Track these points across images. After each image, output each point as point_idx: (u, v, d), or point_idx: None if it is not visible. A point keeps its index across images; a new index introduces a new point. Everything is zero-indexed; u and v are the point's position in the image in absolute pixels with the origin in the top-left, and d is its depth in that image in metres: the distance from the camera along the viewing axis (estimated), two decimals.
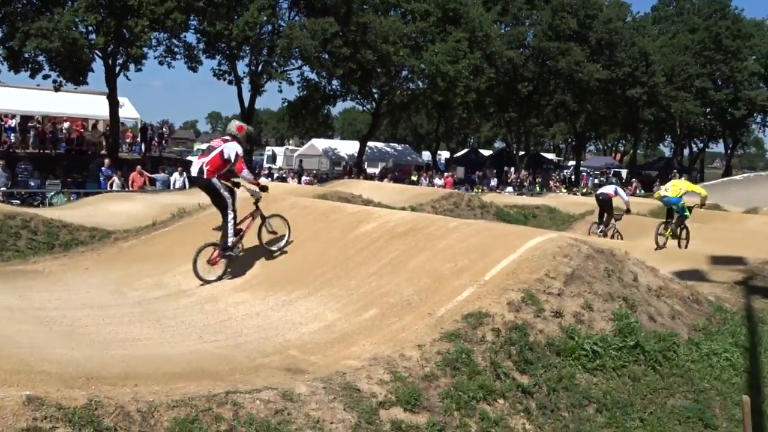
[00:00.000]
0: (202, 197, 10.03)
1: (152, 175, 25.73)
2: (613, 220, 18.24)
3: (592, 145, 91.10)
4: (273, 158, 55.65)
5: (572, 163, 64.56)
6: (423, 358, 6.02)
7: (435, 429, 5.39)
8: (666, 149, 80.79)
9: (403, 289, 7.45)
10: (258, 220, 9.44)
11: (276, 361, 6.04)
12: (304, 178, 35.63)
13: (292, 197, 12.51)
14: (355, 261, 8.47)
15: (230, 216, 8.98)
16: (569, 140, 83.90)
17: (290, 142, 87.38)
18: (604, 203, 18.46)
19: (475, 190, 37.23)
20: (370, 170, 47.86)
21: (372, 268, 8.17)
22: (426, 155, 62.23)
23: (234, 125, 9.31)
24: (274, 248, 9.43)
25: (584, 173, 63.40)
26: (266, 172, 37.44)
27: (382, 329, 6.69)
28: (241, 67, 66.26)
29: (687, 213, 15.65)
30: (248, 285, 8.50)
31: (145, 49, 30.87)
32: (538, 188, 44.70)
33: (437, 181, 37.57)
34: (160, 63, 33.73)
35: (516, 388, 6.01)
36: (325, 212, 10.60)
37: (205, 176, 8.80)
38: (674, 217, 15.67)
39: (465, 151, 65.72)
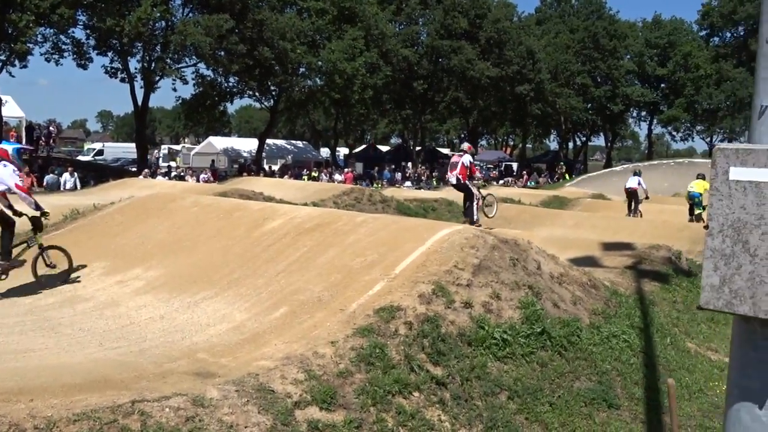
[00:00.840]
0: (94, 198, 9.46)
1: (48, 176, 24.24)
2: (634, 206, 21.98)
3: (484, 140, 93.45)
4: (170, 156, 53.81)
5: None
6: (337, 355, 5.85)
7: (352, 426, 5.24)
8: (552, 143, 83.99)
9: (313, 286, 7.25)
10: None
11: (184, 365, 5.71)
12: (202, 176, 34.58)
13: (193, 195, 12.01)
14: (262, 259, 8.18)
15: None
16: (462, 135, 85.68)
17: (186, 140, 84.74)
18: (632, 194, 22.44)
19: (375, 185, 37.30)
20: (269, 167, 47.09)
21: (280, 265, 7.91)
22: (324, 152, 61.86)
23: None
24: None
25: (477, 166, 64.88)
26: (164, 170, 36.07)
27: (293, 327, 6.46)
28: (134, 64, 63.60)
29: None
30: (150, 287, 8.04)
31: (31, 45, 29.03)
32: (435, 182, 45.31)
33: (337, 176, 37.41)
34: (47, 60, 31.87)
35: (430, 380, 5.94)
36: (229, 210, 10.22)
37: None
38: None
39: (363, 147, 65.84)
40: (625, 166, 57.21)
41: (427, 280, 6.91)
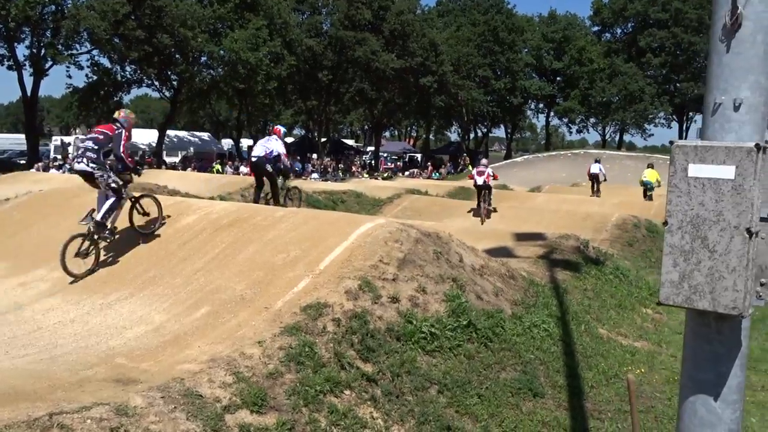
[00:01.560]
0: None
1: None
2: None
3: (388, 132, 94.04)
4: (63, 148, 51.07)
5: (371, 148, 66.19)
6: (265, 355, 5.67)
7: (284, 428, 5.09)
8: (454, 134, 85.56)
9: (235, 284, 7.00)
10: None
11: (102, 372, 5.37)
12: None
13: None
14: (178, 257, 7.84)
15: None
16: (367, 126, 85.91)
17: (77, 131, 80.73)
18: (594, 178, 27.28)
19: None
20: (169, 160, 45.58)
21: (198, 263, 7.60)
22: (226, 143, 60.55)
23: None
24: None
25: (382, 158, 65.20)
26: (58, 163, 34.19)
27: (217, 328, 6.22)
28: (22, 50, 59.99)
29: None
30: (57, 289, 7.54)
31: None
32: (341, 174, 45.21)
33: (243, 169, 36.60)
34: None
35: (361, 377, 5.86)
36: None
37: None
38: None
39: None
40: (525, 156, 59.08)
41: (352, 276, 6.82)
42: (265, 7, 40.58)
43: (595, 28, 67.88)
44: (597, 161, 29.01)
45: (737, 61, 2.57)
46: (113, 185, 8.38)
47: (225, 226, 8.39)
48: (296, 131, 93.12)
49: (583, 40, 64.42)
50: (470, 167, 52.46)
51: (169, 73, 39.51)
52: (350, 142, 77.22)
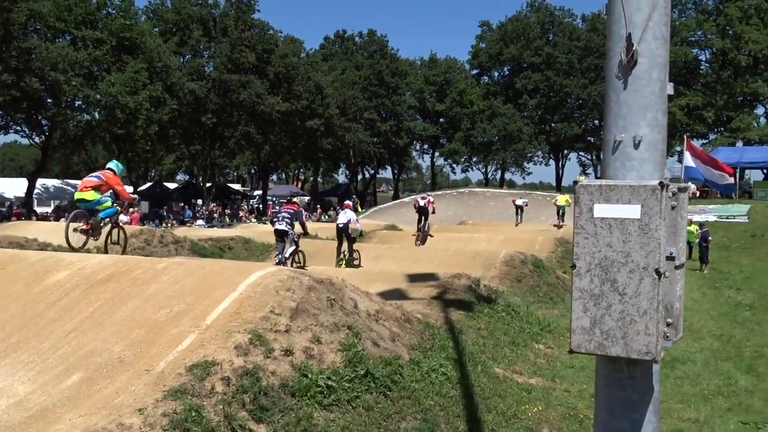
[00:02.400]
0: None
1: None
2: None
3: (275, 175, 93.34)
4: None
5: (258, 192, 65.28)
6: (146, 424, 5.17)
7: None
8: (341, 176, 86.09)
9: (111, 345, 6.43)
10: None
11: None
12: None
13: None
14: (46, 318, 7.15)
15: None
16: (253, 170, 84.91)
17: None
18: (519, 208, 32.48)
19: (165, 224, 35.45)
20: (41, 210, 42.98)
21: (70, 324, 6.95)
22: None
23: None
24: None
25: (270, 202, 64.41)
26: None
27: (91, 396, 5.64)
28: None
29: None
30: None
31: None
32: (228, 219, 44.21)
33: (123, 217, 34.93)
34: None
35: None
36: (0, 263, 8.91)
37: None
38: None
39: (149, 184, 62.69)
40: (412, 196, 60.05)
41: (242, 329, 6.42)
42: (144, 49, 39.51)
43: (474, 72, 70.67)
44: (522, 198, 35.30)
45: (635, 98, 2.53)
46: (295, 239, 15.50)
47: (100, 282, 7.77)
48: (179, 177, 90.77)
49: (464, 83, 66.85)
50: (359, 208, 52.68)
51: (40, 117, 37.49)
52: (237, 186, 75.93)
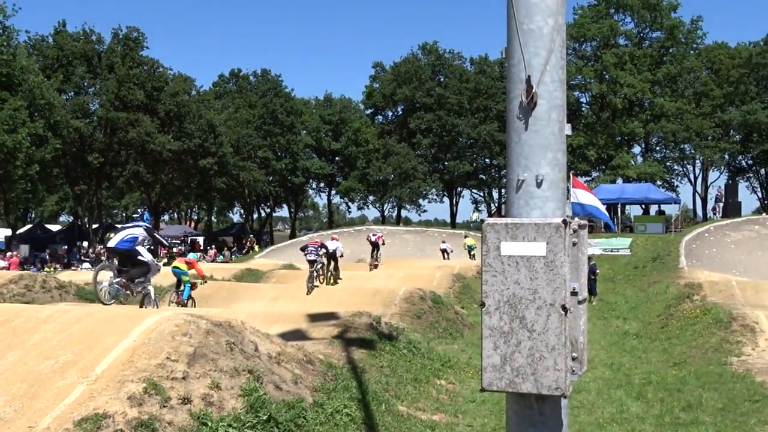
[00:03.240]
0: None
1: None
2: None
3: (167, 215, 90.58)
4: None
5: None
6: None
7: None
8: (236, 215, 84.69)
9: None
10: None
11: None
12: None
13: None
14: None
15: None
16: (142, 209, 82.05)
17: None
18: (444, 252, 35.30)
19: (47, 269, 33.57)
20: None
21: None
22: None
23: None
24: None
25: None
26: None
27: None
28: None
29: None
30: None
31: None
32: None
33: None
34: None
35: None
36: None
37: None
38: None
39: (28, 227, 59.35)
40: (309, 235, 59.72)
41: (136, 378, 6.10)
42: (24, 86, 37.70)
43: (369, 111, 71.70)
44: (443, 242, 36.82)
45: (536, 138, 2.62)
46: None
47: None
48: (63, 218, 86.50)
49: (358, 122, 67.63)
50: (256, 247, 51.87)
51: None
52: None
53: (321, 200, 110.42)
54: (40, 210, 75.60)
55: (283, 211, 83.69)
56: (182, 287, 16.67)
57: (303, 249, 21.97)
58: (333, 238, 24.76)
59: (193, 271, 17.30)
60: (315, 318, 12.38)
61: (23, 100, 37.07)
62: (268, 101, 64.45)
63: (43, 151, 38.58)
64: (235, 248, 56.31)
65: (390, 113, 70.39)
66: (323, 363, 8.96)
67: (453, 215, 70.63)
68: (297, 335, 11.15)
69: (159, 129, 47.21)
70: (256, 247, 52.82)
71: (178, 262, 17.34)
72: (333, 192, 74.11)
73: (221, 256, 49.25)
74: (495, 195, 71.90)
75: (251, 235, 59.69)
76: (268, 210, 76.25)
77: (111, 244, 11.73)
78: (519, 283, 2.49)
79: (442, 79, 66.89)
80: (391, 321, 14.55)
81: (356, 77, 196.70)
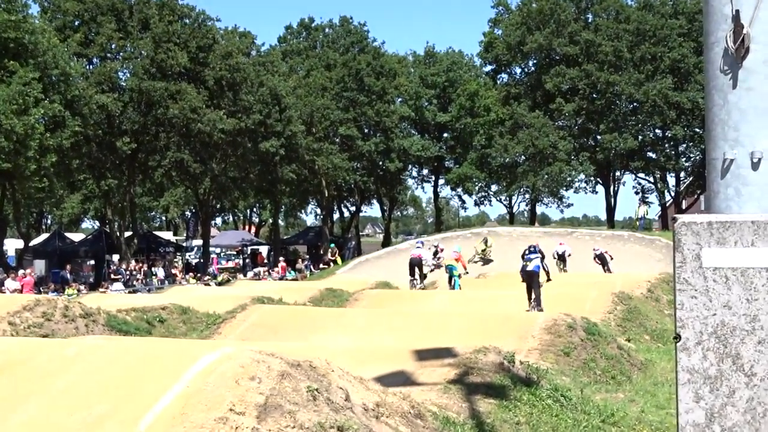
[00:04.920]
0: None
1: None
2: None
3: (220, 218, 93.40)
4: None
5: (197, 242, 65.18)
6: None
7: None
8: (310, 216, 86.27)
9: None
10: None
11: None
12: None
13: None
14: None
15: None
16: (189, 212, 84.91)
17: None
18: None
19: (69, 291, 35.24)
20: None
21: None
22: None
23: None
24: None
25: (215, 255, 64.31)
26: None
27: None
28: None
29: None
30: None
31: None
32: (156, 281, 43.99)
33: (10, 283, 34.72)
34: None
35: None
36: None
37: None
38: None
39: (45, 236, 62.50)
40: (409, 240, 60.08)
41: None
42: (34, 52, 39.60)
43: (488, 68, 71.46)
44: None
45: (749, 99, 2.51)
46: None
47: None
48: (87, 224, 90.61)
49: (474, 84, 67.46)
50: (339, 259, 52.58)
51: None
52: (166, 235, 75.85)
53: (425, 194, 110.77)
54: (58, 214, 79.51)
55: (374, 210, 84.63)
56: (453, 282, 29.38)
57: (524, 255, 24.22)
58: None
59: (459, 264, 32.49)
60: (424, 355, 12.44)
61: (35, 71, 38.92)
62: (351, 60, 65.27)
63: (60, 137, 40.31)
64: (309, 261, 57.33)
65: (518, 70, 69.91)
66: (437, 418, 9.01)
67: (610, 210, 69.32)
68: (400, 379, 11.24)
69: (208, 103, 48.58)
70: (339, 259, 53.56)
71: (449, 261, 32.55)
72: (441, 181, 74.26)
73: (292, 273, 50.26)
74: (671, 181, 70.04)
75: (332, 244, 60.48)
76: (353, 208, 77.18)
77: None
78: (730, 307, 2.40)
79: (590, 20, 65.80)
80: (529, 359, 14.44)
81: (469, 23, 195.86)
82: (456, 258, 34.04)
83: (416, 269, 32.36)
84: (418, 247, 34.94)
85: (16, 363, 7.91)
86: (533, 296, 22.83)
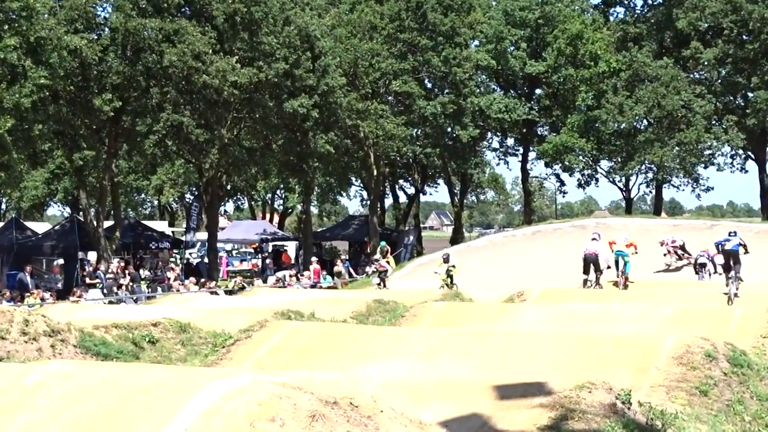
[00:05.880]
0: None
1: None
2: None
3: (231, 202, 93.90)
4: None
5: (201, 235, 65.61)
6: None
7: None
8: (354, 201, 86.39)
9: None
10: None
11: None
12: None
13: None
14: None
15: None
16: (191, 195, 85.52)
17: None
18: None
19: (30, 300, 35.73)
20: None
21: None
22: None
23: None
24: None
25: (224, 253, 64.63)
26: None
27: None
28: None
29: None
30: None
31: None
32: (146, 287, 44.39)
33: None
34: None
35: None
36: None
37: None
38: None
39: None
40: (488, 235, 59.92)
41: None
42: None
43: (598, 0, 70.91)
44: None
45: None
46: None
47: None
48: (53, 211, 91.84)
49: (579, 22, 66.85)
50: (392, 261, 52.43)
51: None
52: (160, 225, 76.56)
53: (509, 171, 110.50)
54: (15, 197, 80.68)
55: (440, 194, 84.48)
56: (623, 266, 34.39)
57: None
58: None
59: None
60: (506, 392, 12.45)
61: None
62: None
63: (17, 92, 40.83)
64: (350, 261, 57.44)
65: (639, 2, 69.22)
66: None
67: (766, 195, 68.09)
68: (474, 424, 11.28)
69: (216, 47, 48.82)
70: (392, 261, 53.46)
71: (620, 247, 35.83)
72: (531, 155, 73.75)
73: (328, 278, 50.40)
74: None
75: (382, 241, 60.34)
76: (412, 191, 76.95)
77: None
78: None
79: None
80: (651, 399, 14.36)
81: None
82: (627, 244, 36.83)
83: (591, 267, 35.19)
84: (593, 240, 36.81)
85: None
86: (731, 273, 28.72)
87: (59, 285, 47.09)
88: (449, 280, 38.98)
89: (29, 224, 65.51)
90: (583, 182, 72.58)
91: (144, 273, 48.20)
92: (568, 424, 11.45)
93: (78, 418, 7.50)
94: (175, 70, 47.43)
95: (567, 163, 68.72)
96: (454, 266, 39.70)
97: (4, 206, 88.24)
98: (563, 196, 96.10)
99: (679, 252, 41.39)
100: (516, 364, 16.83)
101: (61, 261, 51.28)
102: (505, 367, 16.50)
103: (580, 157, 67.99)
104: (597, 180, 72.19)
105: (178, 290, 43.50)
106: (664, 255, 41.31)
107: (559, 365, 15.93)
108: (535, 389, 12.58)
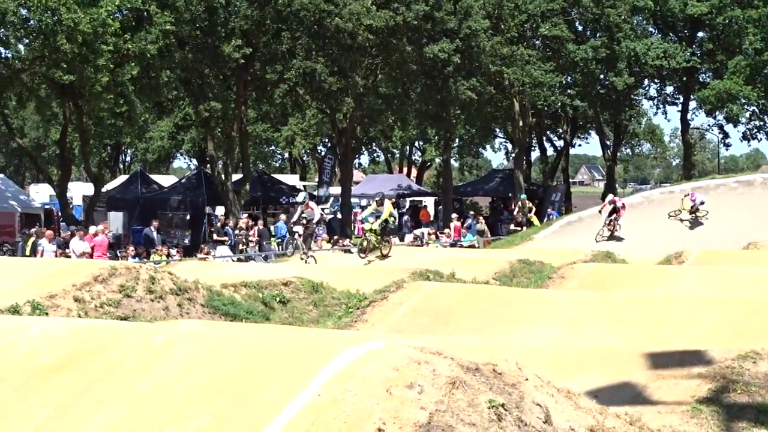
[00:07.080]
0: None
1: None
2: None
3: (366, 154, 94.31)
4: None
5: (335, 190, 66.11)
6: None
7: None
8: (498, 154, 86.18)
9: None
10: None
11: None
12: None
13: None
14: None
15: None
16: (323, 147, 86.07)
17: None
18: None
19: (156, 257, 36.43)
20: None
21: None
22: (39, 191, 60.65)
23: None
24: None
25: (358, 209, 65.02)
26: None
27: None
28: None
29: None
30: None
31: None
32: (276, 244, 44.85)
33: (76, 244, 35.77)
34: None
35: None
36: None
37: None
38: None
39: (123, 180, 64.92)
40: (644, 192, 59.15)
41: None
42: None
43: None
44: None
45: None
46: None
47: (49, 371, 8.09)
48: (179, 163, 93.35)
49: None
50: (535, 219, 52.18)
51: None
52: (291, 179, 77.29)
53: (668, 122, 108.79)
54: (141, 149, 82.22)
55: (591, 146, 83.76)
56: None
57: None
58: None
59: None
60: (661, 360, 12.34)
61: None
62: None
63: (142, 39, 41.41)
64: (491, 218, 57.32)
65: None
66: None
67: None
68: (626, 395, 11.21)
69: None
70: (535, 219, 53.17)
71: None
72: (692, 104, 72.50)
73: (469, 236, 50.37)
74: None
75: (523, 196, 60.03)
76: (561, 143, 76.45)
77: None
78: None
79: None
80: None
81: None
82: None
83: None
84: None
85: (84, 355, 8.26)
86: None
87: (186, 241, 47.86)
88: (378, 229, 32.01)
89: (155, 177, 66.72)
90: (748, 134, 71.24)
91: (277, 229, 48.54)
92: (729, 396, 11.30)
93: (206, 380, 7.64)
94: (306, 14, 47.71)
95: (731, 113, 67.36)
96: (391, 215, 34.38)
97: (128, 158, 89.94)
98: (726, 150, 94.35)
99: None
100: (673, 331, 16.65)
101: (187, 216, 52.05)
102: (660, 334, 16.33)
103: (746, 107, 66.59)
104: (764, 131, 70.69)
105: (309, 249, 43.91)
106: None
107: (720, 333, 15.70)
108: (693, 358, 12.44)
